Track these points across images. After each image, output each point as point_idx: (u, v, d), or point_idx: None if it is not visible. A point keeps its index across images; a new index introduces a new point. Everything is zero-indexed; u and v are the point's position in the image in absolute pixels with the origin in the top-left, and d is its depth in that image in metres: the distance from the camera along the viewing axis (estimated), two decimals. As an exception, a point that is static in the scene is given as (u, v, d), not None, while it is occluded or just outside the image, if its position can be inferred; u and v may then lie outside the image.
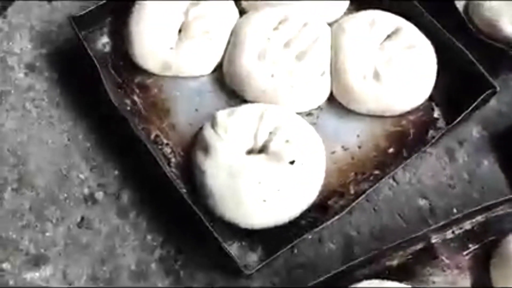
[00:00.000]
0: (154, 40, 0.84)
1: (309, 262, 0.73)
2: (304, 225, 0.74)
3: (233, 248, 0.73)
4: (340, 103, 0.84)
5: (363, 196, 0.73)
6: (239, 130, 0.77)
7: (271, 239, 0.73)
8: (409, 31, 0.85)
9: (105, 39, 0.87)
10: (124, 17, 0.86)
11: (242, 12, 0.89)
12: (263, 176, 0.73)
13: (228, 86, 0.85)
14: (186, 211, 0.72)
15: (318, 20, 0.86)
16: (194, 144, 0.79)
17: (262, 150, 0.77)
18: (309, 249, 0.74)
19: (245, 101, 0.82)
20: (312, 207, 0.75)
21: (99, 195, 0.77)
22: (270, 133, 0.77)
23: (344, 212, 0.72)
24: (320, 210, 0.76)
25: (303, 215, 0.74)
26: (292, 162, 0.74)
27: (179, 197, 0.73)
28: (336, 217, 0.71)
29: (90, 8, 0.84)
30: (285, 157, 0.74)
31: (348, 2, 0.91)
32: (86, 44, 0.82)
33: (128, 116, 0.78)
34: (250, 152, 0.77)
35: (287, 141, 0.76)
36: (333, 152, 0.80)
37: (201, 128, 0.80)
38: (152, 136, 0.80)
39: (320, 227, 0.71)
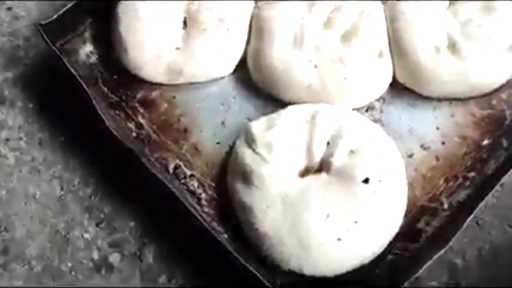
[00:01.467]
0: (153, 40, 0.63)
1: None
2: (391, 262, 0.55)
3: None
4: (407, 89, 0.64)
5: (473, 213, 0.54)
6: (287, 145, 0.57)
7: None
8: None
9: (88, 48, 0.67)
10: (108, 16, 0.66)
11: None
12: (332, 204, 0.54)
13: (258, 87, 0.65)
14: (230, 264, 0.53)
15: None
16: (229, 171, 0.60)
17: (321, 168, 0.57)
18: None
19: (283, 104, 0.63)
20: (398, 237, 0.56)
21: (115, 258, 0.58)
22: (328, 143, 0.58)
23: (448, 245, 0.52)
24: (408, 238, 0.57)
25: (387, 248, 0.56)
26: (366, 181, 0.55)
27: (219, 247, 0.54)
28: (439, 252, 0.52)
29: (62, 10, 0.64)
30: (355, 175, 0.55)
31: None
32: (65, 58, 0.63)
33: (134, 146, 0.59)
34: (305, 173, 0.58)
35: (352, 151, 0.57)
36: (410, 155, 0.61)
37: (232, 147, 0.61)
38: (171, 168, 0.61)
39: (420, 270, 0.51)
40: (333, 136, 0.58)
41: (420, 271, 0.51)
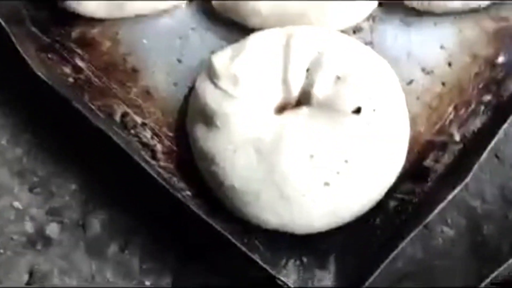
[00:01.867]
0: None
1: (417, 268, 0.44)
2: (395, 210, 0.45)
3: (288, 272, 0.44)
4: (401, 3, 0.52)
5: (491, 144, 0.43)
6: (257, 76, 0.46)
7: (346, 243, 0.44)
8: None
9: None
10: None
11: None
12: (316, 143, 0.43)
13: (221, 15, 0.53)
14: (197, 227, 0.42)
15: None
16: (188, 114, 0.49)
17: (301, 101, 0.46)
18: (413, 246, 0.45)
19: (253, 31, 0.51)
20: (401, 178, 0.45)
21: (53, 229, 0.47)
22: (308, 70, 0.47)
23: (463, 183, 0.42)
24: (414, 178, 0.46)
25: (389, 193, 0.45)
26: (357, 111, 0.43)
27: (181, 207, 0.43)
28: (453, 192, 0.41)
29: None
30: (343, 105, 0.44)
31: None
32: None
33: (70, 94, 0.48)
34: (282, 109, 0.47)
35: (338, 78, 0.46)
36: (410, 82, 0.50)
37: (192, 88, 0.50)
38: (118, 117, 0.49)
39: (430, 216, 0.41)
40: (313, 62, 0.46)
41: (431, 216, 0.40)
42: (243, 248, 0.41)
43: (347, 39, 0.49)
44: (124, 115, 0.49)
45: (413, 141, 0.47)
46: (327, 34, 0.49)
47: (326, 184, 0.42)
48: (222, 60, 0.48)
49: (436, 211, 0.40)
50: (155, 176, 0.44)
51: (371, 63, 0.47)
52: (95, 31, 0.53)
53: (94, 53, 0.52)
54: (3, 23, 0.49)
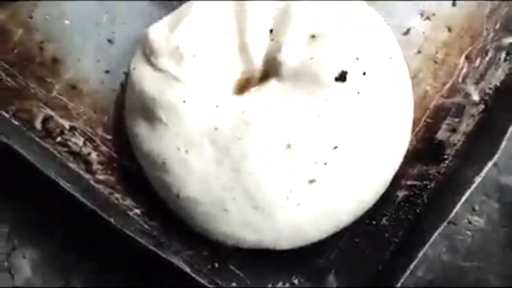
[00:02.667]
0: None
1: (441, 274, 0.34)
2: (406, 202, 0.34)
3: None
4: None
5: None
6: (205, 48, 0.35)
7: (347, 254, 0.34)
8: None
9: None
10: None
11: None
12: (292, 128, 0.33)
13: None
14: (150, 255, 0.32)
15: None
16: (126, 107, 0.38)
17: (268, 73, 0.36)
18: (435, 247, 0.34)
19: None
20: (409, 160, 0.35)
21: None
22: (272, 31, 0.36)
23: (494, 158, 0.31)
24: (426, 158, 0.35)
25: (396, 181, 0.34)
26: (341, 77, 0.33)
27: (129, 229, 0.33)
28: (482, 172, 0.31)
29: None
30: (322, 70, 0.33)
31: None
32: None
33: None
34: (243, 87, 0.36)
35: (313, 37, 0.35)
36: (407, 32, 0.39)
37: (127, 74, 0.39)
38: (38, 123, 0.38)
39: (454, 208, 0.30)
40: (277, 18, 0.35)
41: (457, 206, 0.30)
42: (204, 282, 0.31)
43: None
44: (47, 119, 0.39)
45: (419, 108, 0.36)
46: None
47: (312, 181, 0.31)
48: (160, 31, 0.36)
49: (463, 198, 0.30)
50: (85, 202, 0.33)
51: (353, 12, 0.36)
52: (2, 17, 0.41)
53: (3, 45, 0.41)
54: None
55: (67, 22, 0.42)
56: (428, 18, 0.39)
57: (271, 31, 0.35)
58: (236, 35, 0.35)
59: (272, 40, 0.35)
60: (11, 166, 0.36)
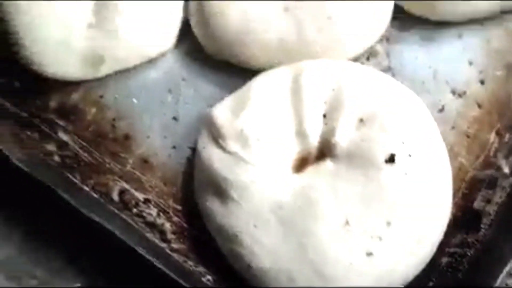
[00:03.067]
0: (54, 21, 0.44)
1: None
2: (448, 267, 0.39)
3: None
4: (417, 17, 0.46)
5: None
6: (267, 131, 0.40)
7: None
8: None
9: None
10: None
11: None
12: (349, 205, 0.37)
13: (213, 58, 0.47)
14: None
15: None
16: (195, 183, 0.43)
17: (323, 153, 0.40)
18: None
19: (251, 73, 0.45)
20: (451, 228, 0.39)
21: None
22: (325, 116, 0.41)
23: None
24: (465, 227, 0.40)
25: (440, 248, 0.39)
26: (391, 159, 0.37)
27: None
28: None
29: None
30: (374, 154, 0.37)
31: None
32: None
33: (57, 176, 0.41)
34: (301, 165, 0.40)
35: (361, 120, 0.40)
36: (441, 109, 0.44)
37: (194, 150, 0.43)
38: (115, 195, 0.43)
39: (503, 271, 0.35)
40: (329, 103, 0.40)
41: (498, 280, 0.34)
42: None
43: (361, 69, 0.43)
44: (123, 192, 0.43)
45: (457, 179, 0.40)
46: (339, 66, 0.42)
47: (369, 254, 0.36)
48: (224, 114, 0.41)
49: (504, 270, 0.34)
50: (167, 271, 0.37)
51: (395, 96, 0.41)
52: (76, 97, 0.47)
53: (79, 123, 0.46)
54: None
55: (135, 101, 0.47)
56: (460, 96, 0.44)
57: (324, 115, 0.41)
58: (294, 119, 0.40)
59: (326, 124, 0.40)
60: (91, 238, 0.41)
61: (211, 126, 0.42)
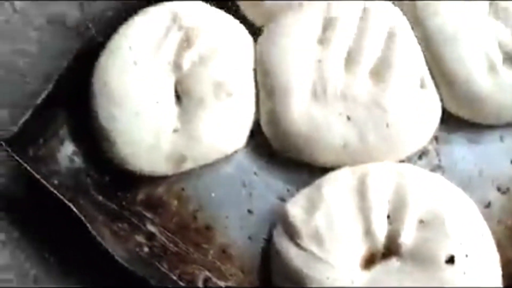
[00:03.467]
0: (144, 127, 0.51)
1: None
2: None
3: None
4: (463, 120, 0.52)
5: None
6: (339, 231, 0.45)
7: None
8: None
9: (68, 148, 0.54)
10: (86, 104, 0.54)
11: (254, 30, 0.56)
12: (415, 303, 0.43)
13: (281, 153, 0.53)
14: None
15: (378, 3, 0.54)
16: (273, 273, 0.48)
17: (389, 251, 0.46)
18: None
19: (316, 169, 0.51)
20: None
21: None
22: (389, 217, 0.46)
23: None
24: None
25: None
26: (451, 260, 0.43)
27: None
28: None
29: (30, 113, 0.51)
30: (435, 254, 0.43)
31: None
32: (43, 168, 0.51)
33: (147, 266, 0.47)
34: (369, 261, 0.46)
35: (421, 222, 0.45)
36: (487, 205, 0.49)
37: (268, 240, 0.49)
38: (201, 283, 0.49)
39: None
40: (393, 205, 0.46)
41: None
42: None
43: (422, 173, 0.48)
44: (206, 280, 0.49)
45: (505, 273, 0.46)
46: (401, 169, 0.48)
47: None
48: (299, 213, 0.47)
49: None
50: None
51: (451, 198, 0.47)
52: (160, 190, 0.53)
53: (164, 215, 0.52)
54: (67, 203, 0.48)
55: (213, 194, 0.53)
56: (504, 192, 0.50)
57: (388, 216, 0.46)
58: (361, 219, 0.46)
59: (390, 224, 0.46)
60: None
61: (287, 224, 0.47)
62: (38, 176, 0.49)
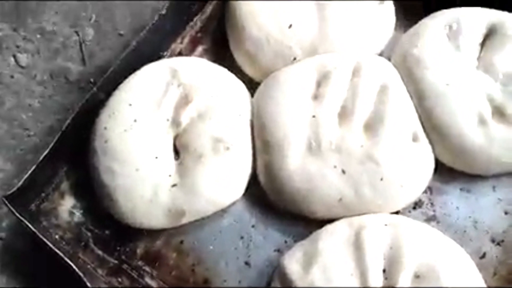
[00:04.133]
0: (144, 182, 0.52)
1: None
2: None
3: None
4: (456, 171, 0.53)
5: None
6: (336, 283, 0.46)
7: None
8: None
9: (69, 202, 0.56)
10: (87, 159, 0.55)
11: (249, 83, 0.58)
12: None
13: (278, 205, 0.54)
14: None
15: (370, 58, 0.56)
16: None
17: (385, 305, 0.46)
18: None
19: (313, 221, 0.52)
20: None
21: None
22: (384, 271, 0.47)
23: None
24: None
25: None
26: (446, 316, 0.43)
27: None
28: None
29: (32, 168, 0.52)
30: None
31: (393, 21, 0.60)
32: (44, 222, 0.53)
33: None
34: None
35: (417, 276, 0.45)
36: (483, 256, 0.50)
37: (267, 294, 0.50)
38: (199, 339, 0.49)
39: None
40: (388, 259, 0.46)
41: None
42: None
43: (416, 226, 0.49)
44: (206, 335, 0.49)
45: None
46: (395, 222, 0.49)
47: None
48: (295, 268, 0.47)
49: None
50: None
51: (444, 252, 0.47)
52: (159, 243, 0.53)
53: (163, 268, 0.52)
54: (67, 260, 0.49)
55: (211, 247, 0.53)
56: (498, 244, 0.50)
57: (383, 270, 0.47)
58: (357, 272, 0.46)
59: (385, 278, 0.46)
60: None
61: (284, 278, 0.48)
62: (37, 233, 0.50)
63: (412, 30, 0.57)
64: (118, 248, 0.53)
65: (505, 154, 0.50)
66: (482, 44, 0.54)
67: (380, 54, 0.58)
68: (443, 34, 0.55)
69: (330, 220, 0.51)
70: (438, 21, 0.56)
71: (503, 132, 0.50)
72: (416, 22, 0.57)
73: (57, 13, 0.68)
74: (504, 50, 0.52)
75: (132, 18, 0.67)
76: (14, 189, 0.52)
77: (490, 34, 0.54)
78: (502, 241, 0.50)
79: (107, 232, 0.54)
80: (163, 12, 0.59)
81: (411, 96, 0.53)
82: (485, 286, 0.46)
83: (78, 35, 0.67)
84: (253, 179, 0.54)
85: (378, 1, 0.59)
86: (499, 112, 0.51)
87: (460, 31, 0.54)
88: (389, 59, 0.56)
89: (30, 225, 0.50)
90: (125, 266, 0.52)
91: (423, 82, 0.53)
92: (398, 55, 0.56)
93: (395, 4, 0.60)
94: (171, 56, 0.62)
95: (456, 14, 0.55)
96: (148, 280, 0.52)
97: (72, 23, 0.68)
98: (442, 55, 0.54)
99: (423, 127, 0.53)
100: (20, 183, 0.52)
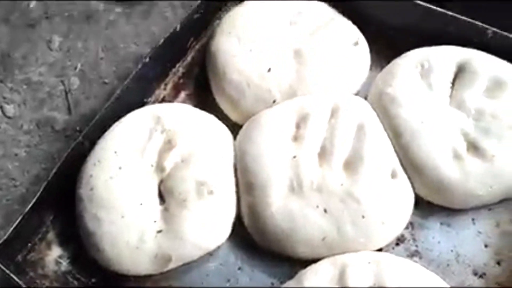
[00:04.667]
0: (129, 230, 0.52)
1: None
2: None
3: None
4: (436, 206, 0.54)
5: None
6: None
7: None
8: (483, 63, 0.57)
9: (55, 252, 0.56)
10: (72, 207, 0.56)
11: (233, 126, 0.60)
12: None
13: (262, 246, 0.55)
14: None
15: (347, 98, 0.58)
16: None
17: None
18: None
19: (298, 261, 0.52)
20: None
21: None
22: (369, 308, 0.47)
23: None
24: None
25: None
26: None
27: None
28: None
29: (18, 220, 0.53)
30: None
31: (368, 61, 0.63)
32: (31, 273, 0.53)
33: None
34: None
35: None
36: (466, 290, 0.51)
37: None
38: None
39: None
40: (372, 298, 0.47)
41: None
42: None
43: (399, 262, 0.49)
44: None
45: None
46: (377, 260, 0.49)
47: None
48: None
49: None
50: None
51: (428, 286, 0.48)
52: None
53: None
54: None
55: (198, 291, 0.54)
56: (481, 276, 0.51)
57: (369, 308, 0.47)
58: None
59: (370, 316, 0.47)
60: None
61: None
62: (23, 285, 0.50)
63: (386, 69, 0.60)
64: (105, 294, 0.54)
65: (481, 188, 0.52)
66: (453, 82, 0.57)
67: (357, 94, 0.60)
68: (415, 73, 0.57)
69: (315, 260, 0.51)
70: (410, 60, 0.58)
71: (478, 166, 0.52)
72: (390, 62, 0.60)
73: (43, 64, 0.70)
74: (474, 87, 0.55)
75: (117, 67, 0.70)
76: (0, 241, 0.52)
77: (459, 72, 0.56)
78: (484, 274, 0.51)
79: (93, 280, 0.54)
80: (146, 60, 0.61)
81: (388, 134, 0.55)
82: (469, 320, 0.47)
83: (63, 84, 0.69)
84: (238, 220, 0.55)
85: (353, 43, 0.62)
86: (473, 147, 0.52)
87: (431, 69, 0.57)
88: (366, 98, 0.59)
89: (15, 278, 0.50)
90: (113, 313, 0.53)
91: (398, 119, 0.55)
92: (374, 94, 0.58)
93: (370, 45, 0.62)
94: (155, 102, 0.64)
95: (427, 53, 0.58)
96: (136, 327, 0.52)
97: (57, 72, 0.70)
98: (415, 93, 0.56)
99: (401, 163, 0.54)
100: (6, 235, 0.52)
